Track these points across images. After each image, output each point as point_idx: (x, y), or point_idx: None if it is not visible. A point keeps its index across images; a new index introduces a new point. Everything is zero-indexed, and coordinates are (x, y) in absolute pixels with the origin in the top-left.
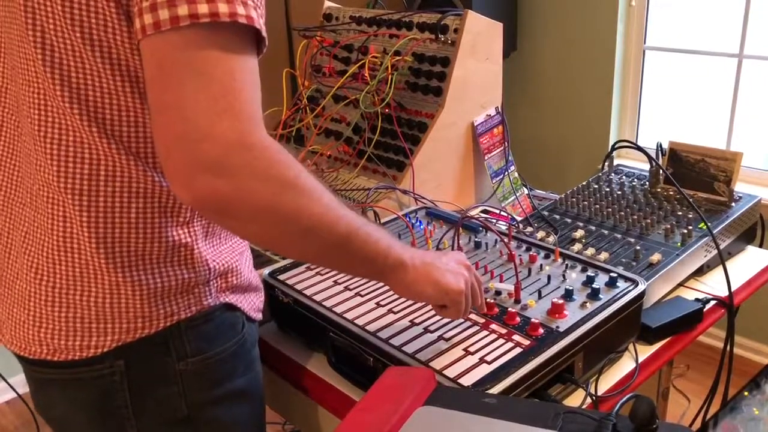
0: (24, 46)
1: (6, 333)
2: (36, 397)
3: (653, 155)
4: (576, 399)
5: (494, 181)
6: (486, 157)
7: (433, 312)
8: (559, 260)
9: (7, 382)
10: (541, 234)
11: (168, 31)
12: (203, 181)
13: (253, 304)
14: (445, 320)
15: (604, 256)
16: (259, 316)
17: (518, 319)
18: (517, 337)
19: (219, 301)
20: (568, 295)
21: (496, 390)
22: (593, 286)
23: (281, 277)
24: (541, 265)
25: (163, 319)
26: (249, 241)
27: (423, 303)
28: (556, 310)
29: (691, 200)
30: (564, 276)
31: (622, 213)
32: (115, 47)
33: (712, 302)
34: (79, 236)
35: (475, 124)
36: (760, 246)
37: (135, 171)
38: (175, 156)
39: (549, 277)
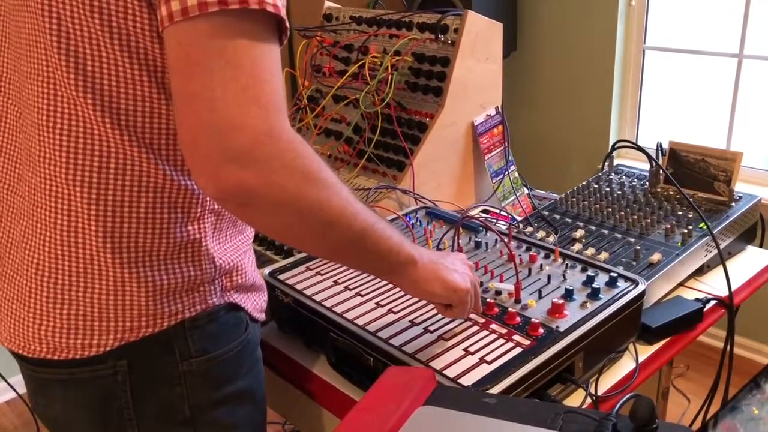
0: (35, 33)
1: (4, 331)
2: (35, 397)
3: (653, 155)
4: (576, 399)
5: (494, 181)
6: (486, 157)
7: (433, 312)
8: (559, 260)
9: (7, 382)
10: (541, 234)
11: (196, 18)
12: (230, 172)
13: (256, 304)
14: (445, 320)
15: (604, 256)
16: (262, 316)
17: (518, 318)
18: (517, 337)
19: (224, 300)
20: (568, 295)
21: (496, 390)
22: (593, 286)
23: (281, 277)
24: (541, 265)
25: (168, 318)
26: (268, 235)
27: (424, 303)
28: (556, 310)
29: (691, 200)
30: (564, 276)
31: (622, 213)
32: (134, 36)
33: (712, 302)
34: (84, 230)
35: (475, 124)
36: (760, 246)
37: (146, 164)
38: (202, 146)
39: (549, 277)
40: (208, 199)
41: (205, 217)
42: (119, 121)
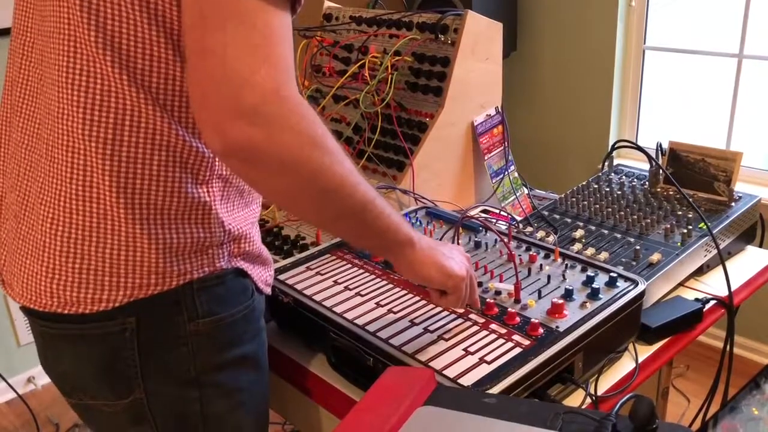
0: None
1: (17, 286)
2: (44, 353)
3: (653, 155)
4: (576, 399)
5: (494, 181)
6: (486, 157)
7: (433, 312)
8: (559, 260)
9: (7, 382)
10: (541, 234)
11: None
12: (237, 128)
13: (261, 275)
14: (445, 320)
15: (603, 255)
16: (267, 289)
17: (518, 319)
18: (517, 337)
19: (231, 265)
20: (568, 295)
21: (496, 390)
22: (593, 286)
23: (281, 277)
24: (541, 265)
25: (176, 277)
26: (269, 199)
27: (424, 303)
28: (556, 310)
29: (691, 200)
30: (564, 276)
31: (622, 213)
32: None
33: (712, 302)
34: (99, 185)
35: (475, 124)
36: (760, 246)
37: (160, 123)
38: (212, 100)
39: (549, 277)
40: (216, 163)
41: (213, 181)
42: (136, 80)
